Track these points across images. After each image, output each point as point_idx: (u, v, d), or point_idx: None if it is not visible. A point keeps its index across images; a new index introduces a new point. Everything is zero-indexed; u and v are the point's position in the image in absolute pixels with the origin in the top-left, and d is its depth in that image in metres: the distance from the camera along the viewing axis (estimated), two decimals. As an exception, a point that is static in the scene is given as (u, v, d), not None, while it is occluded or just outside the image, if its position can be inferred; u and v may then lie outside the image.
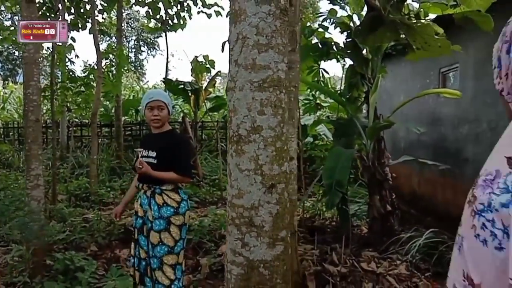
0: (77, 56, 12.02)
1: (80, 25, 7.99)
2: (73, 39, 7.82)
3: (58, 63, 6.80)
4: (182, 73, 66.75)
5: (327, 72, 6.68)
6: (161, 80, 9.02)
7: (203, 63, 7.95)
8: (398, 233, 4.35)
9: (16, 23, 5.26)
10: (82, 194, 6.57)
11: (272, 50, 1.70)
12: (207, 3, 8.43)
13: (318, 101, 8.24)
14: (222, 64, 22.28)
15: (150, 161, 2.75)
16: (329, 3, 5.00)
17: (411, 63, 6.28)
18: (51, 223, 4.61)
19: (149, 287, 2.78)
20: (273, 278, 1.75)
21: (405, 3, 4.24)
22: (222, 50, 4.95)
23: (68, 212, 5.32)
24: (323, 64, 7.31)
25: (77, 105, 7.43)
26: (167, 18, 7.63)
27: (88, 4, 6.47)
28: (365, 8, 4.08)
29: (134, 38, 26.43)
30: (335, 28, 5.12)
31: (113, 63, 7.48)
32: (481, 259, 0.75)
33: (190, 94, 7.67)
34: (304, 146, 6.92)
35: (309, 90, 7.20)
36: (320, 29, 5.30)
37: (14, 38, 5.28)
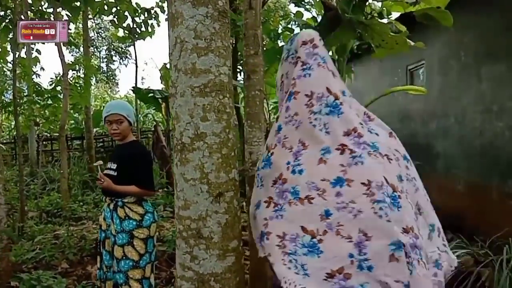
0: (42, 68, 11.70)
1: (45, 37, 7.77)
2: (38, 51, 7.60)
3: (23, 77, 6.59)
4: (156, 82, 66.41)
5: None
6: (129, 89, 8.88)
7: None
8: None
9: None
10: (53, 210, 6.38)
11: (213, 54, 1.63)
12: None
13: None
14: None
15: (111, 173, 2.70)
16: (294, 6, 4.99)
17: (380, 62, 6.33)
18: (19, 242, 4.44)
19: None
20: (225, 291, 1.67)
21: (367, 2, 4.25)
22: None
23: (38, 229, 5.16)
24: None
25: (45, 119, 7.21)
26: (135, 26, 7.48)
27: (52, 15, 6.27)
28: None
29: (105, 47, 26.04)
30: (300, 30, 5.10)
31: (80, 74, 7.29)
32: None
33: (161, 102, 7.53)
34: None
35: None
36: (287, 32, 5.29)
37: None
